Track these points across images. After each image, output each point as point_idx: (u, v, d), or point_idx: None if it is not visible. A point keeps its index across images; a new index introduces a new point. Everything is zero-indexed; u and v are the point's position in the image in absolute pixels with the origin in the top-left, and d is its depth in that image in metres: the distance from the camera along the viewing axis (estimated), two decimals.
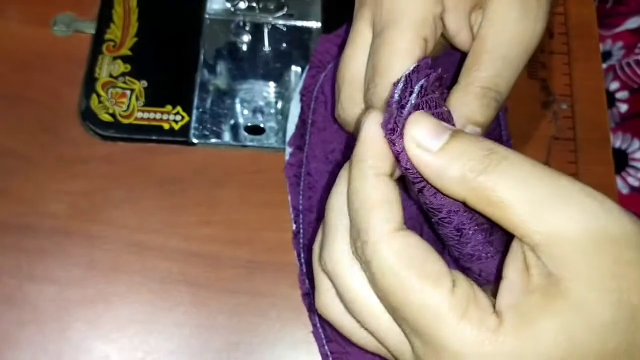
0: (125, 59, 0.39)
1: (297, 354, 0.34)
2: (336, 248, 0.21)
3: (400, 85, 0.21)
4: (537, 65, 0.41)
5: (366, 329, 0.22)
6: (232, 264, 0.35)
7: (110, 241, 0.35)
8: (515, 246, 0.20)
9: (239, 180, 0.37)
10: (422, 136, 0.20)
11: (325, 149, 0.36)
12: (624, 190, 0.50)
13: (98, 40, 0.39)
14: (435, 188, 0.21)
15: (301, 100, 0.38)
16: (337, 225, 0.22)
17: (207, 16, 0.40)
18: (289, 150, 0.37)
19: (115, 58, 0.39)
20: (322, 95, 0.37)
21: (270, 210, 0.36)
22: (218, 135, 0.38)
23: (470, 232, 0.22)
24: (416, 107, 0.21)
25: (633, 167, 0.49)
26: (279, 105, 0.39)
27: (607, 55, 0.52)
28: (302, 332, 0.34)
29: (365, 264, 0.20)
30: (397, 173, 0.22)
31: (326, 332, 0.33)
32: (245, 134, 0.38)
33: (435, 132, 0.20)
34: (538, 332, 0.18)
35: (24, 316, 0.34)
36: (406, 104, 0.20)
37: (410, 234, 0.20)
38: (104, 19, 0.40)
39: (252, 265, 0.35)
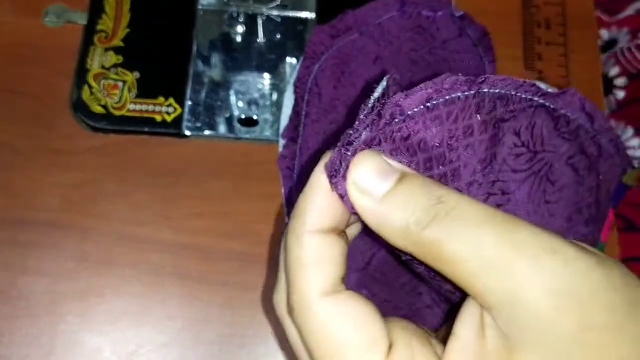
0: (117, 50, 0.38)
1: (289, 347, 0.34)
2: (278, 299, 0.20)
3: (361, 114, 0.19)
4: (533, 57, 0.40)
5: None
6: (225, 257, 0.35)
7: (103, 234, 0.35)
8: (471, 301, 0.18)
9: (232, 173, 0.37)
10: (364, 179, 0.18)
11: (319, 140, 0.36)
12: None
13: (90, 31, 0.39)
14: None
15: (295, 91, 0.37)
16: (281, 275, 0.20)
17: (200, 7, 0.40)
18: (282, 142, 0.37)
19: (107, 49, 0.38)
20: (316, 87, 0.37)
21: (263, 202, 0.36)
22: (211, 127, 0.38)
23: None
24: (370, 142, 0.18)
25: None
26: (273, 96, 0.39)
27: (613, 42, 0.51)
28: None
29: (295, 327, 0.19)
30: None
31: None
32: (239, 126, 0.38)
33: (381, 174, 0.18)
34: None
35: (16, 309, 0.34)
36: (354, 140, 0.18)
37: (344, 296, 0.18)
38: (96, 10, 0.39)
39: (244, 257, 0.35)
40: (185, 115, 0.37)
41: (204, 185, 0.37)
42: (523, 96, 0.20)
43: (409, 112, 0.19)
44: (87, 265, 0.35)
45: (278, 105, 0.38)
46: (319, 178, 0.19)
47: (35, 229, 0.35)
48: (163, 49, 0.39)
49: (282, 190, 0.36)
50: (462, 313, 0.18)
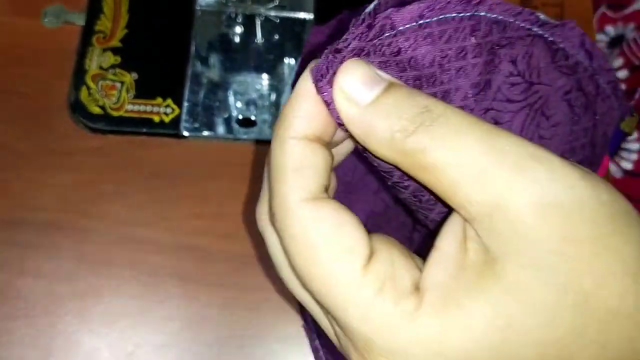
0: (115, 50, 0.38)
1: (288, 349, 0.34)
2: (261, 210, 0.20)
3: (351, 26, 0.18)
4: None
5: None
6: (223, 258, 0.35)
7: (101, 234, 0.35)
8: (454, 215, 0.17)
9: (230, 173, 0.37)
10: (351, 86, 0.17)
11: None
12: (618, 175, 0.49)
13: (88, 31, 0.39)
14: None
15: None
16: (265, 184, 0.20)
17: (198, 7, 0.40)
18: None
19: (105, 50, 0.38)
20: None
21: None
22: (209, 128, 0.38)
23: (431, 198, 0.20)
24: (359, 52, 0.18)
25: (626, 149, 0.49)
26: (272, 97, 0.39)
27: (619, 38, 0.51)
28: (293, 327, 0.34)
29: (277, 234, 0.19)
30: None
31: (317, 326, 0.32)
32: (237, 126, 0.38)
33: (368, 82, 0.17)
34: (464, 316, 0.16)
35: (14, 310, 0.34)
36: (343, 48, 0.17)
37: (324, 203, 0.18)
38: (94, 11, 0.39)
39: (243, 259, 0.35)
40: (184, 116, 0.37)
41: (202, 186, 0.37)
42: (521, 24, 0.20)
43: (400, 28, 0.18)
44: (85, 266, 0.35)
45: (276, 105, 0.38)
46: (305, 84, 0.18)
47: (33, 229, 0.35)
48: (161, 50, 0.39)
49: None
50: (443, 228, 0.18)
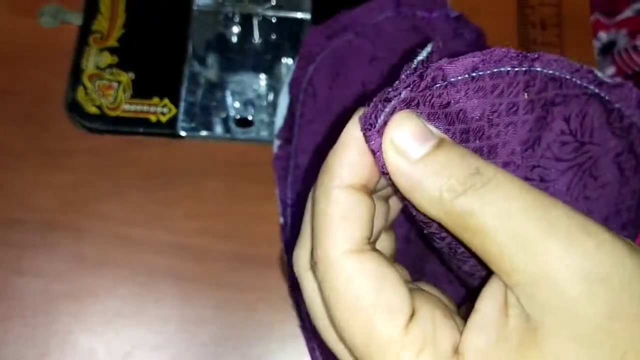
0: (112, 50, 0.38)
1: (284, 348, 0.34)
2: (299, 254, 0.20)
3: (403, 75, 0.18)
4: None
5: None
6: (220, 257, 0.35)
7: (97, 234, 0.35)
8: (495, 279, 0.17)
9: (227, 173, 0.37)
10: (402, 139, 0.17)
11: (314, 141, 0.36)
12: None
13: (85, 31, 0.39)
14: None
15: (290, 92, 0.37)
16: (307, 228, 0.20)
17: (195, 7, 0.40)
18: (277, 142, 0.37)
19: (102, 49, 0.38)
20: (311, 88, 0.37)
21: (258, 203, 0.36)
22: (206, 128, 0.38)
23: (465, 252, 0.19)
24: (408, 103, 0.17)
25: None
26: (269, 97, 0.39)
27: (611, 44, 0.51)
28: (289, 327, 0.34)
29: (318, 284, 0.18)
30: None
31: (313, 327, 0.32)
32: (234, 126, 0.38)
33: (420, 137, 0.17)
34: None
35: (10, 310, 0.34)
36: (393, 97, 0.17)
37: (369, 256, 0.18)
38: (91, 10, 0.39)
39: (239, 258, 0.35)
40: (180, 116, 0.37)
41: (199, 186, 0.36)
42: (578, 82, 0.19)
43: (452, 79, 0.18)
44: (81, 266, 0.34)
45: (274, 105, 0.38)
46: (352, 133, 0.18)
47: (29, 229, 0.35)
48: (158, 50, 0.39)
49: (277, 191, 0.36)
50: (484, 291, 0.17)
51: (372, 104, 0.18)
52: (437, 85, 0.18)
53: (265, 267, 0.35)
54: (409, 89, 0.17)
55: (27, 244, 0.35)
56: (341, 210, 0.18)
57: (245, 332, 0.34)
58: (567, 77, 0.19)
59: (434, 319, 0.17)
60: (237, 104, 0.38)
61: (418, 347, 0.16)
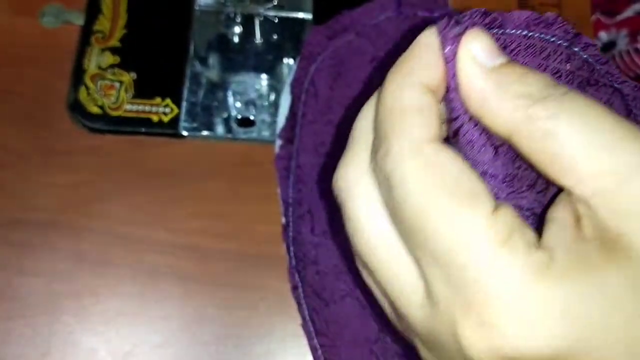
0: (114, 50, 0.38)
1: (286, 347, 0.34)
2: (347, 169, 0.18)
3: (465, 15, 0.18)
4: None
5: (367, 269, 0.18)
6: (221, 257, 0.35)
7: (99, 234, 0.35)
8: (563, 196, 0.17)
9: (229, 173, 0.37)
10: (478, 48, 0.17)
11: (315, 141, 0.36)
12: None
13: (86, 31, 0.39)
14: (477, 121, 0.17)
15: (291, 92, 0.37)
16: (358, 141, 0.18)
17: (197, 7, 0.40)
18: (278, 142, 0.37)
19: (104, 49, 0.38)
20: (313, 88, 0.37)
21: (260, 203, 0.36)
22: (208, 128, 0.38)
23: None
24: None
25: None
26: (271, 97, 0.39)
27: (611, 44, 0.51)
28: (291, 326, 0.34)
29: (385, 178, 0.17)
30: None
31: (315, 325, 0.32)
32: (236, 126, 0.38)
33: (494, 51, 0.17)
34: (602, 281, 0.15)
35: (12, 310, 0.34)
36: (464, 21, 0.18)
37: (446, 148, 0.16)
38: (93, 10, 0.39)
39: (241, 258, 0.35)
40: (182, 116, 0.37)
41: (200, 185, 0.37)
42: (607, 72, 0.20)
43: (507, 30, 0.19)
44: (83, 266, 0.34)
45: (275, 105, 0.38)
46: (428, 38, 0.17)
47: (31, 229, 0.35)
48: (160, 50, 0.39)
49: (279, 191, 0.36)
50: (554, 206, 0.17)
51: (445, 19, 0.18)
52: (495, 30, 0.18)
53: (267, 267, 0.35)
54: (475, 18, 0.18)
55: (28, 243, 0.35)
56: (418, 103, 0.17)
57: (246, 331, 0.34)
58: (598, 66, 0.20)
59: (516, 214, 0.16)
60: (238, 104, 0.38)
61: (507, 233, 0.15)
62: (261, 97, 0.39)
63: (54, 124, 0.37)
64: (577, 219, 0.16)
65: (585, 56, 0.20)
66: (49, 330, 0.33)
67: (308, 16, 0.41)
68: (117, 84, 0.38)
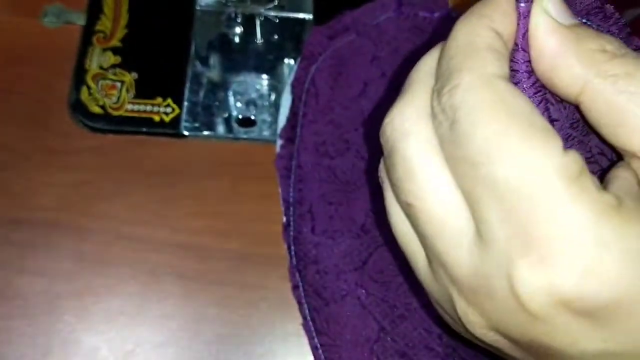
0: (115, 50, 0.38)
1: (287, 347, 0.34)
2: (409, 104, 0.17)
3: None
4: None
5: (412, 214, 0.18)
6: (222, 256, 0.35)
7: (100, 233, 0.35)
8: (622, 163, 0.17)
9: (230, 173, 0.37)
10: (553, 6, 0.17)
11: (316, 141, 0.36)
12: None
13: (88, 31, 0.39)
14: (544, 81, 0.17)
15: (292, 92, 0.37)
16: (417, 84, 0.18)
17: (198, 8, 0.40)
18: (279, 142, 0.37)
19: (105, 50, 0.38)
20: (313, 88, 0.37)
21: (260, 202, 0.36)
22: (209, 128, 0.38)
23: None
24: None
25: None
26: (272, 97, 0.39)
27: None
28: (292, 325, 0.34)
29: (448, 115, 0.16)
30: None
31: (316, 324, 0.33)
32: (237, 126, 0.38)
33: (567, 12, 0.17)
34: None
35: (13, 309, 0.34)
36: None
37: (516, 88, 0.16)
38: (94, 10, 0.39)
39: (242, 257, 0.35)
40: (184, 116, 0.37)
41: (201, 185, 0.37)
42: None
43: (578, 7, 0.18)
44: (84, 265, 0.35)
45: (276, 105, 0.38)
46: None
47: (32, 228, 0.35)
48: (161, 50, 0.39)
49: (280, 190, 0.36)
50: (615, 168, 0.17)
51: None
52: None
53: (268, 266, 0.35)
54: None
55: (29, 243, 0.35)
56: (492, 43, 0.17)
57: (247, 330, 0.34)
58: None
59: (582, 157, 0.16)
60: (239, 104, 0.39)
61: (576, 173, 0.15)
62: (262, 97, 0.39)
63: (55, 124, 0.37)
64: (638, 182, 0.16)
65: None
66: (50, 329, 0.33)
67: (309, 16, 0.41)
68: (118, 84, 0.38)
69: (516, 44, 0.17)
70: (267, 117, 0.38)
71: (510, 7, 0.17)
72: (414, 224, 0.18)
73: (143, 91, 0.38)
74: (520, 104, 0.15)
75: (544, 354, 0.16)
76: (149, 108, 0.37)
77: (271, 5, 0.40)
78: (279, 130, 0.37)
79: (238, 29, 0.41)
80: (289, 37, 0.41)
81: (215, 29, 0.40)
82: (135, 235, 0.35)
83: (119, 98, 0.37)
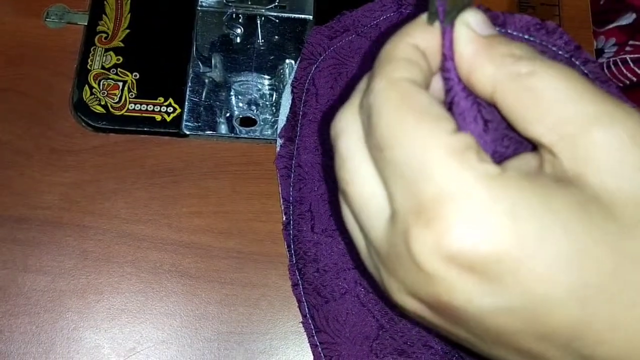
0: (117, 50, 0.39)
1: (287, 344, 0.34)
2: (346, 108, 0.21)
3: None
4: None
5: (347, 201, 0.21)
6: (223, 255, 0.35)
7: (102, 232, 0.35)
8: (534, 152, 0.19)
9: (231, 172, 0.37)
10: (473, 20, 0.19)
11: (316, 140, 0.36)
12: None
13: (90, 31, 0.39)
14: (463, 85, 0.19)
15: (292, 92, 0.38)
16: (355, 93, 0.21)
17: (199, 8, 0.40)
18: (279, 141, 0.37)
19: (107, 50, 0.39)
20: (313, 87, 0.37)
21: (261, 201, 0.36)
22: (210, 127, 0.38)
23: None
24: None
25: None
26: (273, 97, 0.39)
27: (599, 52, 0.52)
28: (292, 323, 0.34)
29: (367, 111, 0.19)
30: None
31: (316, 322, 0.33)
32: (238, 125, 0.38)
33: (487, 24, 0.20)
34: (549, 199, 0.16)
35: (16, 307, 0.34)
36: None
37: (422, 89, 0.19)
38: (96, 11, 0.40)
39: (242, 256, 0.35)
40: (185, 115, 0.38)
41: (203, 184, 0.37)
42: (607, 90, 0.21)
43: (509, 30, 0.20)
44: (86, 263, 0.35)
45: (277, 105, 0.39)
46: (421, 19, 0.20)
47: (35, 227, 0.35)
48: (163, 50, 0.39)
49: (280, 190, 0.36)
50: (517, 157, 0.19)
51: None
52: (497, 28, 0.20)
53: (268, 265, 0.35)
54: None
55: (32, 241, 0.35)
56: (408, 55, 0.19)
57: (248, 328, 0.34)
58: (597, 83, 0.22)
59: (474, 140, 0.18)
60: (240, 104, 0.39)
61: (462, 148, 0.17)
62: (263, 97, 0.39)
63: (58, 124, 0.38)
64: (540, 164, 0.18)
65: (586, 71, 0.21)
66: (53, 327, 0.34)
67: (309, 17, 0.41)
68: (120, 84, 0.38)
69: (445, 55, 0.20)
70: (268, 117, 0.38)
71: (429, 29, 0.20)
72: (350, 208, 0.21)
73: (145, 91, 0.38)
74: (419, 99, 0.18)
75: (452, 316, 0.18)
76: (150, 108, 0.38)
77: (272, 6, 0.41)
78: (279, 130, 0.37)
79: (239, 29, 0.41)
80: (290, 37, 0.41)
81: (217, 29, 0.41)
82: (137, 233, 0.36)
83: (120, 98, 0.38)
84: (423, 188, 0.17)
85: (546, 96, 0.18)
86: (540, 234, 0.16)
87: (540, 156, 0.18)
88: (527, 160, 0.19)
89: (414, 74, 0.19)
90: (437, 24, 0.20)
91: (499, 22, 0.21)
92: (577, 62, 0.21)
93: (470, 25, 0.19)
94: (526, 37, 0.21)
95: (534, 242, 0.16)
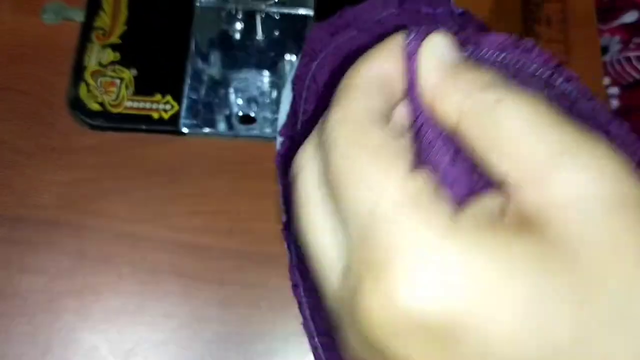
0: (114, 47, 0.38)
1: (287, 346, 0.34)
2: (307, 145, 0.19)
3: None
4: None
5: (307, 248, 0.19)
6: (222, 255, 0.35)
7: (100, 231, 0.35)
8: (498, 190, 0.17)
9: (230, 171, 0.37)
10: (440, 43, 0.18)
11: None
12: None
13: (87, 28, 0.39)
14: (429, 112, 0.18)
15: (293, 89, 0.37)
16: (315, 129, 0.20)
17: (198, 4, 0.40)
18: (279, 139, 0.36)
19: (104, 46, 0.38)
20: (314, 85, 0.37)
21: (260, 200, 0.36)
22: (209, 125, 0.37)
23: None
24: None
25: None
26: (273, 94, 0.39)
27: (604, 49, 0.51)
28: (292, 324, 0.34)
29: (323, 146, 0.18)
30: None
31: (316, 324, 0.32)
32: (237, 123, 0.38)
33: (453, 49, 0.18)
34: (507, 248, 0.15)
35: (13, 307, 0.34)
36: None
37: (381, 123, 0.18)
38: (94, 7, 0.39)
39: (242, 256, 0.35)
40: (183, 113, 0.37)
41: (201, 183, 0.36)
42: (592, 107, 0.20)
43: (483, 51, 0.19)
44: (84, 263, 0.34)
45: (277, 102, 0.38)
46: (396, 35, 0.19)
47: (32, 226, 0.35)
48: (161, 47, 0.39)
49: (280, 188, 0.36)
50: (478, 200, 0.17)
51: (413, 28, 0.19)
52: (470, 49, 0.19)
53: (268, 265, 0.35)
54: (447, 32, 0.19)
55: (30, 241, 0.35)
56: (364, 85, 0.18)
57: (247, 329, 0.34)
58: (581, 101, 0.20)
59: (430, 178, 0.17)
60: (240, 101, 0.38)
61: (413, 193, 0.16)
62: (262, 94, 0.39)
63: (54, 121, 0.37)
64: (504, 205, 0.16)
65: (568, 90, 0.20)
66: (50, 328, 0.33)
67: (310, 12, 0.40)
68: (117, 81, 0.37)
69: (410, 81, 0.19)
70: (268, 115, 0.38)
71: (395, 49, 0.19)
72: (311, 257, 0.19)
73: (142, 88, 0.38)
74: (376, 133, 0.17)
75: None
76: (148, 105, 0.37)
77: (272, 2, 0.40)
78: (278, 127, 0.37)
79: (238, 26, 0.40)
80: (290, 34, 0.40)
81: (216, 26, 0.40)
82: (135, 233, 0.35)
83: (118, 95, 0.37)
84: (372, 237, 0.15)
85: (511, 130, 0.16)
86: (497, 291, 0.14)
87: (505, 194, 0.17)
88: (489, 201, 0.17)
89: (374, 102, 0.18)
90: (404, 47, 0.19)
91: (472, 41, 0.20)
92: (558, 81, 0.20)
93: (436, 49, 0.18)
94: (503, 55, 0.20)
95: (491, 301, 0.14)
